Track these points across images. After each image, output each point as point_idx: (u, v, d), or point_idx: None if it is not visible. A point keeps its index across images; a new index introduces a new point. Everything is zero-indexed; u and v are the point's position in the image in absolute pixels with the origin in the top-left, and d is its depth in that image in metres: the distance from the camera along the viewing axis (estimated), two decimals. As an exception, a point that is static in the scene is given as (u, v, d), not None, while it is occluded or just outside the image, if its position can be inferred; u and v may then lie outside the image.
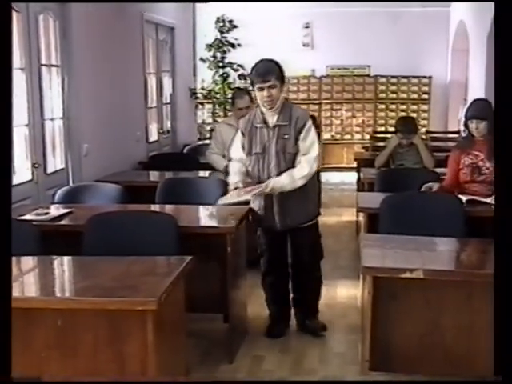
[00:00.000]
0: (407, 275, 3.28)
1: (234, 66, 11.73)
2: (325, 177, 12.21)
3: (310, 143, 4.40)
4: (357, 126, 13.07)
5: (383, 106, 13.00)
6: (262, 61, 4.47)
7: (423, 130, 12.04)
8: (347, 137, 13.08)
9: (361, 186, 6.98)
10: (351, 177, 9.13)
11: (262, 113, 4.45)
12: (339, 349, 4.39)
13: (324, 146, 13.02)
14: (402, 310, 3.51)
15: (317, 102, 12.97)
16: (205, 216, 4.75)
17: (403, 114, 12.15)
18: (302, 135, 4.37)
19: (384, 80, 12.90)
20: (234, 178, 4.49)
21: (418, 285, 3.44)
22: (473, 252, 3.82)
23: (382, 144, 8.18)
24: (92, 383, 2.78)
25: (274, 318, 4.83)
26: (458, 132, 10.06)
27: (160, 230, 3.94)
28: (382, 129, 12.42)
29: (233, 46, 11.77)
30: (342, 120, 13.07)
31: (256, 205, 4.55)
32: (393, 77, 12.83)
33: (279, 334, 4.71)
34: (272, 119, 4.42)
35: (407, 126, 6.87)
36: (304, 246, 4.58)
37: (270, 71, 4.34)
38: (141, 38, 8.06)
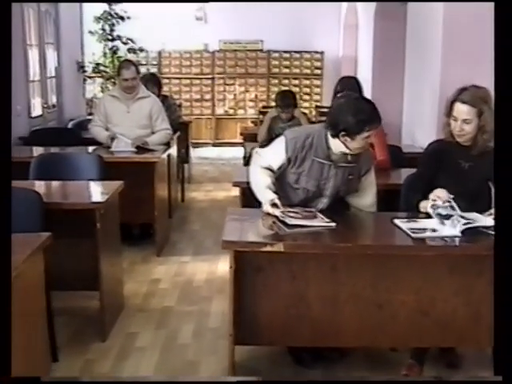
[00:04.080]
0: (268, 249, 3.29)
1: (124, 40, 11.48)
2: (217, 152, 12.26)
3: (370, 182, 4.00)
4: (250, 100, 13.08)
5: (276, 81, 13.06)
6: (366, 100, 3.86)
7: (313, 104, 12.30)
8: (241, 112, 13.08)
9: (246, 160, 6.98)
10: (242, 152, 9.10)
11: (329, 147, 3.76)
12: (214, 324, 4.38)
13: (217, 120, 13.04)
14: (268, 283, 3.52)
15: (210, 76, 12.89)
16: (77, 192, 4.62)
17: (296, 89, 12.25)
18: (365, 176, 3.93)
19: (277, 55, 12.95)
20: (269, 192, 3.77)
21: (282, 258, 3.45)
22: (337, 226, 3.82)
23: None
24: (91, 383, 2.65)
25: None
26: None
27: (24, 206, 3.78)
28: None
29: (122, 18, 11.48)
30: (235, 95, 13.05)
31: None
32: (285, 52, 12.90)
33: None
34: (339, 157, 3.80)
35: (285, 100, 6.99)
36: None
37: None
38: (19, 7, 7.73)
